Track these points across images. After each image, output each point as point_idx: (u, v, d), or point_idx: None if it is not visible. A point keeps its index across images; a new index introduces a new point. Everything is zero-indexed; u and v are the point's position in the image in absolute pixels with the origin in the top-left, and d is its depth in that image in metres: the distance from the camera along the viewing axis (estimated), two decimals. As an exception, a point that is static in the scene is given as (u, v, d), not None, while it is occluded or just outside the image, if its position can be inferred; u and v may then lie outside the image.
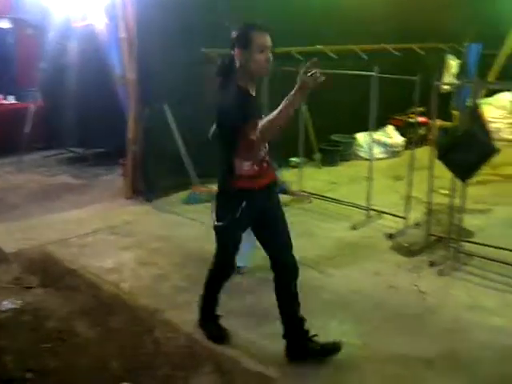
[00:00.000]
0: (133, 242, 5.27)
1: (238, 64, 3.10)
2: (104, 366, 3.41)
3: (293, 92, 2.78)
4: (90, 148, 8.09)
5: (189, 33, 6.32)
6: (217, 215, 3.31)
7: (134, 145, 6.42)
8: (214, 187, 6.37)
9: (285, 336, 3.44)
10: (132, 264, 4.83)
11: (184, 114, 6.45)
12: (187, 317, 3.93)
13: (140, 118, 6.36)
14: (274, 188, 3.38)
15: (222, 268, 3.59)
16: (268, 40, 3.08)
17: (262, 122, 2.88)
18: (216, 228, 3.35)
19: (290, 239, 3.39)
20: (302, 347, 3.42)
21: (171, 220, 5.89)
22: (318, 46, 7.51)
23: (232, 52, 3.12)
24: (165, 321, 3.90)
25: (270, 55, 3.08)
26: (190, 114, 6.44)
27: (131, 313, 4.03)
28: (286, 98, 2.80)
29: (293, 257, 3.38)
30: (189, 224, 5.76)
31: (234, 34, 3.13)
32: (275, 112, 2.84)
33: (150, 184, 6.52)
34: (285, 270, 3.37)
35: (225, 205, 3.29)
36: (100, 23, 6.65)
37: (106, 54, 6.62)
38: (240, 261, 4.14)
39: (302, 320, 3.41)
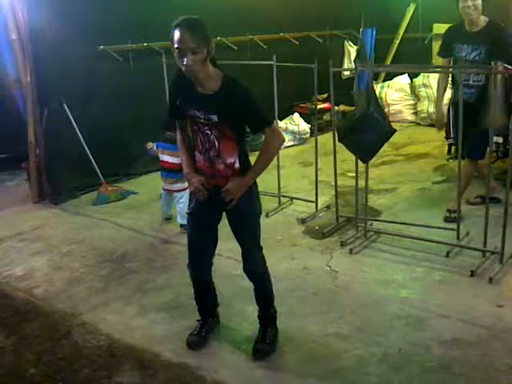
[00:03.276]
0: (43, 247, 5.14)
1: None
2: (22, 374, 3.32)
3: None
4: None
5: (84, 30, 6.20)
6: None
7: (35, 148, 6.25)
8: (122, 186, 6.35)
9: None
10: (44, 269, 4.71)
11: (85, 112, 6.35)
12: (105, 317, 3.91)
13: (40, 120, 6.19)
14: None
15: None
16: (180, 38, 2.85)
17: None
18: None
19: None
20: None
21: (81, 222, 5.77)
22: (218, 38, 7.55)
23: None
24: (82, 323, 3.83)
25: (185, 57, 2.87)
26: (90, 113, 6.36)
27: (47, 318, 3.93)
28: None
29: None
30: (99, 224, 5.67)
31: None
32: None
33: (56, 187, 6.37)
34: None
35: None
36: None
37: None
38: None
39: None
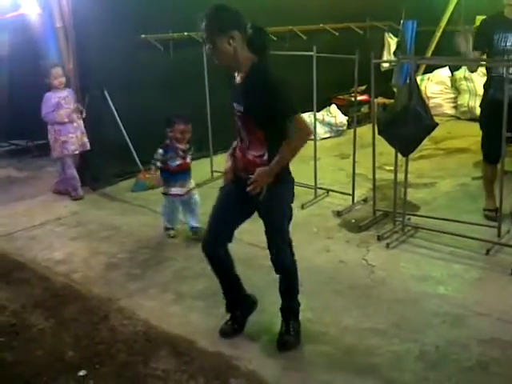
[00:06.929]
0: (82, 232, 5.22)
1: None
2: (60, 356, 3.39)
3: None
4: (32, 140, 7.89)
5: (127, 19, 6.25)
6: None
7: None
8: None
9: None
10: (82, 254, 4.78)
11: (125, 100, 6.40)
12: (142, 303, 3.96)
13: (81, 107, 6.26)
14: None
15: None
16: (202, 28, 2.98)
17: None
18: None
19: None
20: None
21: (119, 208, 5.84)
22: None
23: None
24: (119, 308, 3.89)
25: (207, 46, 2.99)
26: (130, 100, 6.41)
27: (85, 302, 4.00)
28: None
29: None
30: (137, 211, 5.72)
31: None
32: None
33: (95, 173, 6.46)
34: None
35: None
36: (33, 13, 6.48)
37: (41, 44, 6.47)
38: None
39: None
